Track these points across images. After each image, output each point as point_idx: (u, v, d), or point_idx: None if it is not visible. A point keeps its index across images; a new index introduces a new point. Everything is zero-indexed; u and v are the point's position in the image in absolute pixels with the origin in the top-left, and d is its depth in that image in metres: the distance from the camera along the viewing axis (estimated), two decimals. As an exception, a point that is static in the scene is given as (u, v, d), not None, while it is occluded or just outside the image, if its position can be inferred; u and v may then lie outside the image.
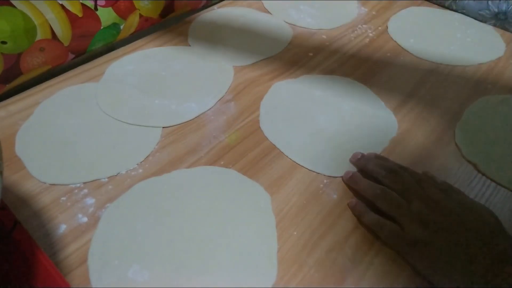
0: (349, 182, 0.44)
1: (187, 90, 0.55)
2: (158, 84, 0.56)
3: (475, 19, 0.72)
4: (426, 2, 0.77)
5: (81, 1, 0.55)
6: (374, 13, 0.74)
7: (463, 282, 0.33)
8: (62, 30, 0.54)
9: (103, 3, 0.57)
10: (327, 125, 0.51)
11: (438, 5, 0.76)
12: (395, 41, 0.67)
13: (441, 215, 0.38)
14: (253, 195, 0.43)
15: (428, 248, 0.36)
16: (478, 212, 0.38)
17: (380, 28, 0.70)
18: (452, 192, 0.41)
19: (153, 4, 0.64)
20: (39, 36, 0.52)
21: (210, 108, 0.53)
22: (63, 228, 0.40)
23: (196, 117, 0.52)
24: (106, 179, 0.44)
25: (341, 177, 0.45)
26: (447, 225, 0.37)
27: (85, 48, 0.59)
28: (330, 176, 0.46)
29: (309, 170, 0.46)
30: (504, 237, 0.36)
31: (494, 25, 0.71)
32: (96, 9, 0.57)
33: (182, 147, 0.48)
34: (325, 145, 0.49)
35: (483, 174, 0.47)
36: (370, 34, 0.68)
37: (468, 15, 0.73)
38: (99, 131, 0.49)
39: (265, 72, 0.59)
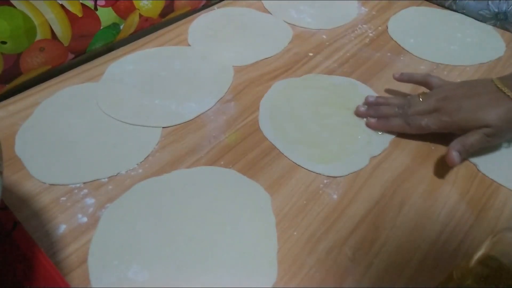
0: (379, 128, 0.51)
1: (187, 90, 0.55)
2: (158, 84, 0.56)
3: (475, 19, 0.72)
4: (426, 2, 0.77)
5: (81, 1, 0.55)
6: (374, 13, 0.74)
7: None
8: (62, 30, 0.54)
9: (103, 3, 0.57)
10: (327, 125, 0.51)
11: (438, 5, 0.76)
12: (395, 41, 0.67)
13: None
14: (253, 195, 0.43)
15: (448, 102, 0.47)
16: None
17: (380, 28, 0.70)
18: None
19: (153, 4, 0.64)
20: (39, 36, 0.52)
21: (210, 108, 0.53)
22: (63, 228, 0.40)
23: (196, 117, 0.52)
24: (106, 179, 0.44)
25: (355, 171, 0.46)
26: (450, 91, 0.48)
27: (85, 48, 0.59)
28: (330, 176, 0.46)
29: (309, 170, 0.46)
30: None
31: (494, 25, 0.71)
32: (96, 9, 0.57)
33: (182, 147, 0.48)
34: (325, 145, 0.49)
35: (484, 174, 0.47)
36: (370, 34, 0.68)
37: (468, 15, 0.73)
38: (99, 131, 0.49)
39: (265, 72, 0.59)
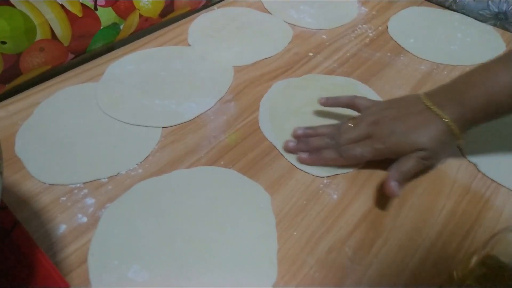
0: (314, 163, 0.46)
1: (187, 90, 0.55)
2: (158, 84, 0.56)
3: (475, 19, 0.72)
4: (426, 2, 0.77)
5: (81, 1, 0.55)
6: (374, 13, 0.74)
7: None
8: (62, 30, 0.54)
9: (103, 3, 0.57)
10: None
11: (438, 5, 0.76)
12: (395, 41, 0.67)
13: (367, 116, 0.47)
14: (253, 195, 0.43)
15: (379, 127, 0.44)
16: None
17: (380, 28, 0.70)
18: None
19: (153, 4, 0.64)
20: (39, 36, 0.52)
21: (210, 108, 0.53)
22: (63, 228, 0.40)
23: (196, 117, 0.52)
24: (106, 179, 0.44)
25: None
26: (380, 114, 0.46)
27: (84, 48, 0.59)
28: (330, 176, 0.45)
29: (306, 172, 0.46)
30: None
31: (494, 25, 0.71)
32: (96, 9, 0.57)
33: (182, 147, 0.48)
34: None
35: (484, 174, 0.47)
36: (370, 34, 0.68)
37: (468, 15, 0.73)
38: (99, 131, 0.49)
39: (265, 72, 0.59)
